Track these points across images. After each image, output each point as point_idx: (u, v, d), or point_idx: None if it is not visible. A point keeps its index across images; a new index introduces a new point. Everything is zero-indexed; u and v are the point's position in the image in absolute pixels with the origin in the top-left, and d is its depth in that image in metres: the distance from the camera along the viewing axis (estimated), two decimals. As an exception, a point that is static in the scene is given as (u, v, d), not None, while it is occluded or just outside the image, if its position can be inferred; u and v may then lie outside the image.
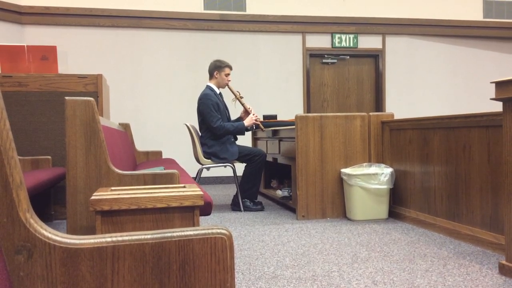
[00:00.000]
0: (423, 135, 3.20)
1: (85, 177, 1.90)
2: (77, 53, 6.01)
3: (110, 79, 5.98)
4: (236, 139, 4.25)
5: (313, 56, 6.73)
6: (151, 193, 1.63)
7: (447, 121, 2.90)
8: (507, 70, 7.19)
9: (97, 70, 5.93)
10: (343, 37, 6.71)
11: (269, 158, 4.66)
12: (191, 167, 5.54)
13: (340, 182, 3.64)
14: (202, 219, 3.65)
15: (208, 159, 4.05)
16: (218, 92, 4.18)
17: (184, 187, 1.80)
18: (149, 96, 6.22)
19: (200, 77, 6.02)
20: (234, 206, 4.13)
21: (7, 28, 5.68)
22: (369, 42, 6.82)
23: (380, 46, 6.85)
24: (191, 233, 0.80)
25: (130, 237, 0.77)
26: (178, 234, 0.79)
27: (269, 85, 6.55)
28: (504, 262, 2.09)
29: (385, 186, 3.42)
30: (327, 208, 3.63)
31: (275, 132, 4.42)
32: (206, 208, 1.95)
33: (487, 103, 6.69)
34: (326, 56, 6.78)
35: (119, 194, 1.60)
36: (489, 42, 7.14)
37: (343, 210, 3.65)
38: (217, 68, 4.13)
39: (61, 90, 3.66)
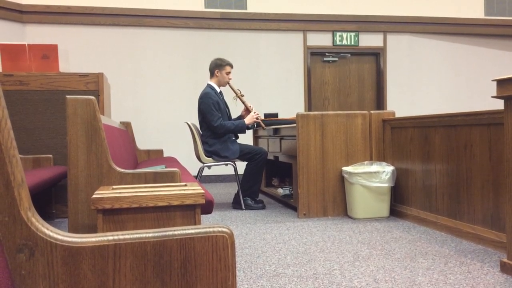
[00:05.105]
0: (424, 133, 3.19)
1: (87, 175, 1.90)
2: (78, 51, 6.01)
3: (111, 77, 5.98)
4: (237, 137, 4.25)
5: (314, 54, 6.72)
6: (152, 191, 1.63)
7: (448, 119, 2.90)
8: (508, 68, 7.17)
9: (98, 69, 5.93)
10: (344, 35, 6.70)
11: (270, 157, 4.66)
12: (192, 166, 5.55)
13: (341, 181, 3.64)
14: (203, 217, 3.65)
15: (209, 157, 4.05)
16: (218, 90, 4.17)
17: (185, 185, 1.80)
18: (150, 95, 6.23)
19: (201, 76, 6.02)
20: (236, 204, 4.14)
21: (8, 26, 5.68)
22: (370, 40, 6.81)
23: (381, 44, 6.84)
24: (193, 231, 0.80)
25: (131, 236, 0.77)
26: (179, 232, 0.79)
27: (270, 83, 6.55)
28: (505, 260, 2.09)
29: (386, 184, 3.42)
30: (328, 207, 3.63)
31: (276, 131, 4.42)
32: (207, 207, 1.95)
33: (488, 101, 6.67)
34: (327, 54, 6.77)
35: (120, 193, 1.60)
36: (490, 40, 7.13)
37: (344, 209, 3.65)
38: (218, 66, 4.13)
39: (62, 89, 3.66)
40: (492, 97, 2.15)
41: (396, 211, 3.53)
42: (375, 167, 3.50)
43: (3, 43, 3.98)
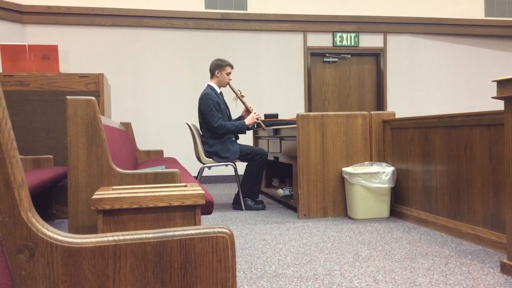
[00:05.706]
0: (424, 134, 3.19)
1: (87, 176, 1.90)
2: (78, 52, 6.02)
3: (111, 78, 5.98)
4: (237, 138, 4.25)
5: (314, 55, 6.72)
6: (152, 192, 1.63)
7: (449, 119, 2.90)
8: (508, 68, 7.17)
9: (98, 69, 5.93)
10: (344, 35, 6.70)
11: (270, 157, 4.66)
12: (192, 166, 5.55)
13: (342, 181, 3.64)
14: (203, 218, 3.65)
15: (210, 158, 4.05)
16: (219, 91, 4.18)
17: (186, 186, 1.80)
18: (150, 95, 6.23)
19: (201, 76, 6.02)
20: (236, 205, 4.14)
21: (8, 27, 5.68)
22: (370, 40, 6.81)
23: (381, 44, 6.84)
24: (193, 232, 0.80)
25: (131, 236, 0.77)
26: (179, 233, 0.79)
27: (270, 84, 6.55)
28: (505, 260, 2.09)
29: (386, 185, 3.42)
30: (328, 207, 3.63)
31: (276, 131, 4.42)
32: (207, 207, 1.95)
33: (488, 102, 6.67)
34: (327, 54, 6.77)
35: (120, 193, 1.60)
36: (490, 40, 7.13)
37: (344, 209, 3.65)
38: (218, 67, 4.13)
39: (63, 90, 3.66)
40: (493, 97, 2.15)
41: (396, 211, 3.53)
42: (375, 168, 3.50)
43: (3, 43, 3.98)
